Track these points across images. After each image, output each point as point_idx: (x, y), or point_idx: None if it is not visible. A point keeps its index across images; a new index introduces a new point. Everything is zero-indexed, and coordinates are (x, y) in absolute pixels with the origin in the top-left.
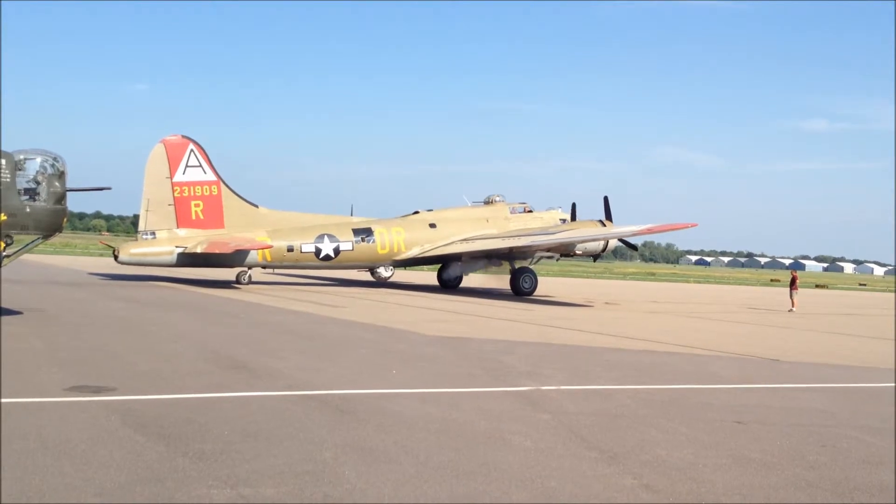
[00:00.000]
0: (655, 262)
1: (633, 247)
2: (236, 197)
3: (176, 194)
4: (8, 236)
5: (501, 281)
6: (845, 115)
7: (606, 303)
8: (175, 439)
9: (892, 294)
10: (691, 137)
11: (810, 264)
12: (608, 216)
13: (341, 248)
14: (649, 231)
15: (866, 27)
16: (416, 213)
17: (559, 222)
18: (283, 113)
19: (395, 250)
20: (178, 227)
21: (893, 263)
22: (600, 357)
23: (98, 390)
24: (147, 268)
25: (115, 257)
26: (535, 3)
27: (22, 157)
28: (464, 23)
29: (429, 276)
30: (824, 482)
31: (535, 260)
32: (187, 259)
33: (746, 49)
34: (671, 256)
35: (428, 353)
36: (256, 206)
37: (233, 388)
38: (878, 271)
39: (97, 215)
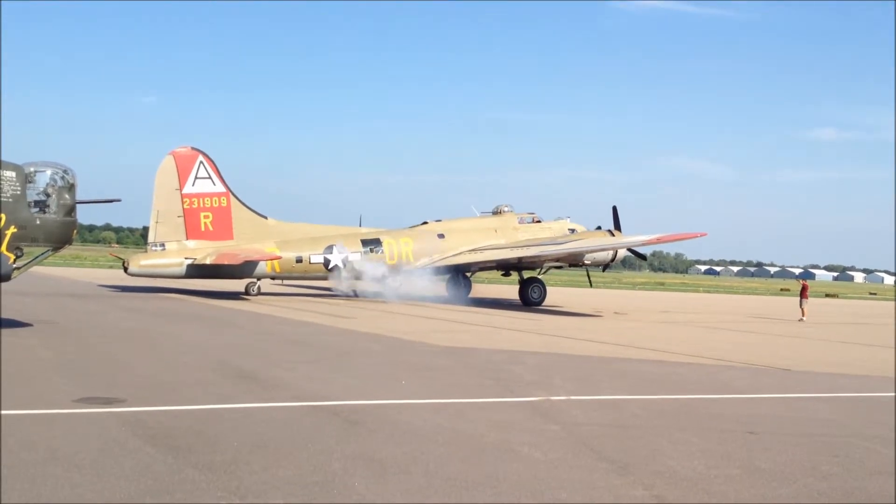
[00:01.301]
0: (665, 271)
1: (643, 256)
2: (245, 208)
3: (185, 206)
4: (18, 248)
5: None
6: (854, 124)
7: (616, 313)
8: (184, 451)
9: None
10: (698, 147)
11: (820, 274)
12: (617, 226)
13: (350, 259)
14: (658, 241)
15: (874, 36)
16: (425, 223)
17: (568, 232)
18: (291, 123)
19: (404, 261)
20: (187, 239)
21: (894, 271)
22: (610, 367)
23: (107, 401)
24: (157, 279)
25: (125, 269)
26: (540, 10)
27: (32, 169)
28: (468, 31)
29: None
30: (836, 493)
31: (543, 270)
32: (197, 270)
33: (753, 58)
34: (680, 266)
35: (436, 364)
36: (265, 218)
37: (242, 400)
38: (889, 280)
39: (107, 227)
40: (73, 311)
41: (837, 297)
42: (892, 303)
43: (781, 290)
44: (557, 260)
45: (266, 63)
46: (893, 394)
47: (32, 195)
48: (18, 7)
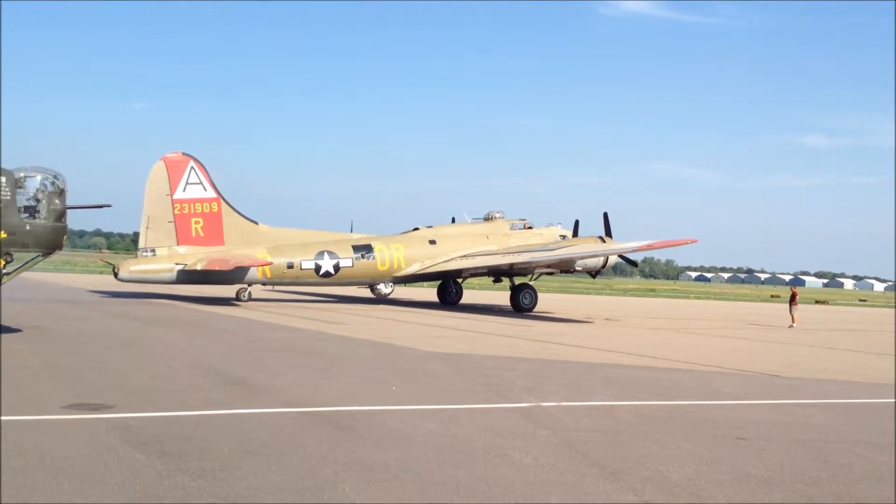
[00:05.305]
0: (655, 278)
1: (633, 263)
2: (236, 214)
3: (176, 211)
4: (8, 254)
5: None
6: (841, 130)
7: (607, 319)
8: (174, 456)
9: (892, 310)
10: (689, 153)
11: (810, 280)
12: (608, 232)
13: (341, 265)
14: (649, 247)
15: (862, 42)
16: (416, 229)
17: (559, 238)
18: (283, 129)
19: (395, 267)
20: (178, 245)
21: (894, 279)
22: (601, 373)
23: (97, 408)
24: (147, 285)
25: (115, 275)
26: (528, 15)
27: (22, 174)
28: (457, 36)
29: (429, 292)
30: (825, 498)
31: (534, 276)
32: (187, 276)
33: (742, 64)
34: (671, 272)
35: (428, 369)
36: (256, 223)
37: (232, 405)
38: (878, 287)
39: (97, 233)
40: (62, 317)
41: (827, 303)
42: (883, 309)
43: (772, 296)
44: (549, 266)
45: (257, 68)
46: (894, 400)
47: (22, 200)
48: (6, 8)
